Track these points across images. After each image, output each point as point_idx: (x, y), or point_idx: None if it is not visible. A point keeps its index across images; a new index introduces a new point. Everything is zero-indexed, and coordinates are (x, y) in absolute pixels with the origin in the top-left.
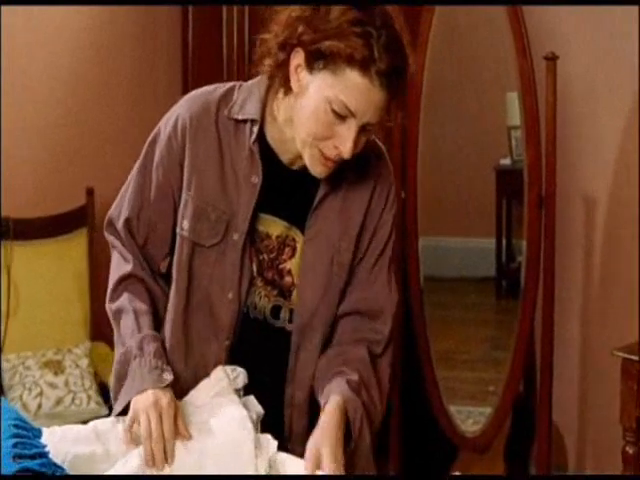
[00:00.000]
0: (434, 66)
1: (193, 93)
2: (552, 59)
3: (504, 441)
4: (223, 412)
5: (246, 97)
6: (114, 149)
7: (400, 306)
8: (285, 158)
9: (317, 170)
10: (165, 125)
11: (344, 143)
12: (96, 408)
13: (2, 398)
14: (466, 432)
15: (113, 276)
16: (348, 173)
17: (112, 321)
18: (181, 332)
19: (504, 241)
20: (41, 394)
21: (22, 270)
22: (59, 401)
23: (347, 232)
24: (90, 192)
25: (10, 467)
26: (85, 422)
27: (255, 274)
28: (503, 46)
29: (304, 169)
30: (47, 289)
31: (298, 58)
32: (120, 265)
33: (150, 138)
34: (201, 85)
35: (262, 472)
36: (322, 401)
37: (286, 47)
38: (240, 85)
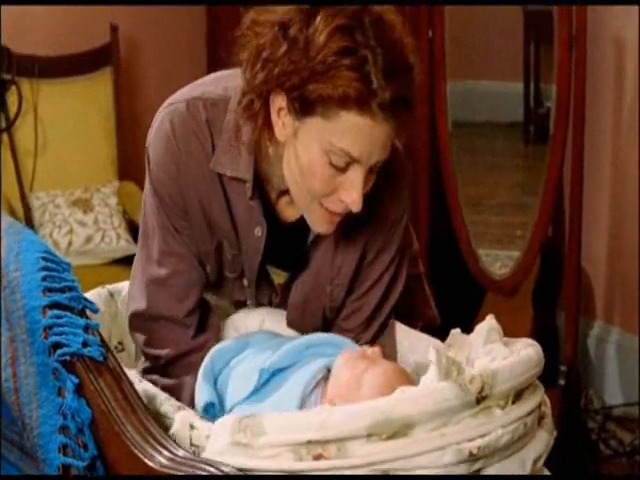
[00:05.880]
0: None
1: (173, 115)
2: None
3: (532, 286)
4: None
5: (233, 146)
6: None
7: (428, 151)
8: (277, 200)
9: (322, 229)
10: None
11: (350, 195)
12: (126, 245)
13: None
14: (494, 275)
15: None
16: None
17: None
18: None
19: (532, 85)
20: (71, 232)
21: (48, 109)
22: (89, 239)
23: (341, 271)
24: (114, 29)
25: (39, 301)
26: (116, 260)
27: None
28: None
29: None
30: (74, 128)
31: (279, 101)
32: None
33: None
34: None
35: None
36: None
37: (262, 93)
38: (225, 107)
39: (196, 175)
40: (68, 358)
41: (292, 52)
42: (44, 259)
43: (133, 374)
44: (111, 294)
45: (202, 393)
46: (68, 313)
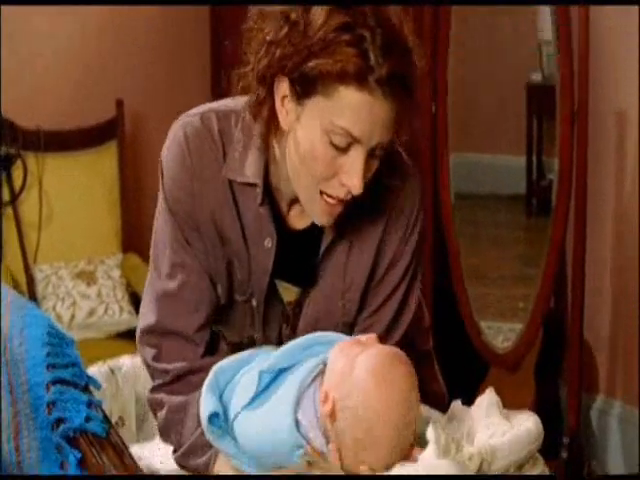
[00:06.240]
0: None
1: (186, 127)
2: None
3: (535, 357)
4: None
5: (243, 151)
6: (144, 60)
7: (431, 222)
8: (288, 211)
9: (322, 220)
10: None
11: (351, 178)
12: (128, 318)
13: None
14: (497, 348)
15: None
16: (356, 213)
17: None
18: None
19: (534, 158)
20: (74, 305)
21: (53, 182)
22: (92, 312)
23: (353, 283)
24: (120, 104)
25: (43, 377)
26: (119, 333)
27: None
28: None
29: (310, 225)
30: (79, 201)
31: (282, 88)
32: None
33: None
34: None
35: None
36: None
37: (266, 79)
38: (237, 119)
39: (208, 185)
40: (71, 433)
41: (292, 34)
42: (48, 334)
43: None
44: (112, 370)
45: (206, 404)
46: (71, 389)
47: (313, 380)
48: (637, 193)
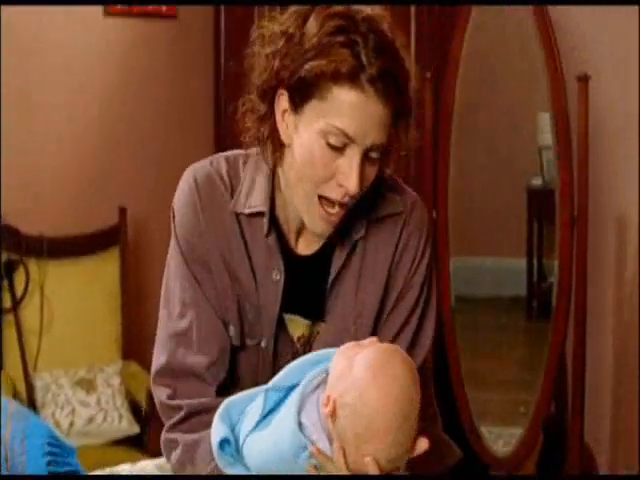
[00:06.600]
0: (465, 85)
1: (196, 172)
2: (584, 80)
3: (535, 462)
4: None
5: (252, 183)
6: (147, 168)
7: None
8: (296, 241)
9: (319, 227)
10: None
11: (348, 178)
12: (128, 426)
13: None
14: (497, 453)
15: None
16: (362, 245)
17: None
18: None
19: (535, 261)
20: (73, 412)
21: (55, 288)
22: (91, 419)
23: (365, 309)
24: (122, 211)
25: None
26: (117, 441)
27: None
28: (535, 66)
29: (317, 252)
30: (79, 308)
31: (282, 102)
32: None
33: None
34: (233, 100)
35: None
36: None
37: (267, 94)
38: (245, 160)
39: (217, 223)
40: None
41: (289, 46)
42: (49, 444)
43: None
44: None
45: (217, 431)
46: None
47: (317, 387)
48: (637, 298)
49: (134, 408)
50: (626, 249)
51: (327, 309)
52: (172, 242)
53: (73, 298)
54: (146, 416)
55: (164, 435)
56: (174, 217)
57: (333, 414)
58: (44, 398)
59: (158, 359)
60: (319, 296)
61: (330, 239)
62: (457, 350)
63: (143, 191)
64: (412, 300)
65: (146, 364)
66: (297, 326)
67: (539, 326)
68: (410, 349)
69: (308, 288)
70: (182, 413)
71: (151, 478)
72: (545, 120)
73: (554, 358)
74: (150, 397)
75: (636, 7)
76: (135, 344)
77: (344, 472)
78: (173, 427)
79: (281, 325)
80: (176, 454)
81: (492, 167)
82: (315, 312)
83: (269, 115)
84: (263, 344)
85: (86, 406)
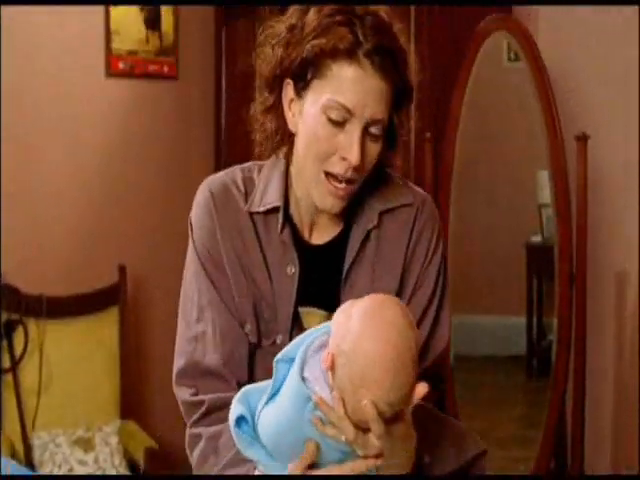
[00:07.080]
0: (465, 143)
1: (211, 184)
2: (583, 139)
3: None
4: None
5: (267, 183)
6: (147, 227)
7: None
8: (310, 234)
9: (328, 203)
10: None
11: (349, 150)
12: None
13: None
14: None
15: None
16: (376, 235)
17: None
18: None
19: (535, 319)
20: (71, 471)
21: (54, 347)
22: None
23: None
24: (122, 270)
25: None
26: None
27: None
28: (534, 125)
29: (332, 242)
30: (78, 366)
31: (289, 91)
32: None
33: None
34: (234, 161)
35: None
36: None
37: (274, 84)
38: (260, 168)
39: (231, 224)
40: None
41: (292, 34)
42: None
43: None
44: None
45: (234, 410)
46: None
47: (320, 347)
48: (637, 355)
49: (132, 467)
50: (625, 305)
51: (343, 299)
52: (189, 252)
53: (72, 358)
54: (144, 475)
55: (188, 432)
56: (192, 227)
57: (332, 367)
58: (42, 457)
59: (178, 362)
60: (334, 287)
61: (344, 229)
62: (457, 408)
63: (143, 250)
64: (429, 291)
65: (144, 423)
66: (313, 318)
67: (539, 385)
68: (429, 340)
69: (323, 279)
70: (203, 408)
71: (151, 478)
72: (544, 178)
73: (554, 415)
74: (148, 456)
75: (636, 64)
76: (133, 404)
77: (345, 421)
78: (196, 423)
79: (296, 320)
80: (199, 448)
81: (491, 224)
82: (331, 303)
83: (276, 105)
84: (278, 341)
85: (84, 465)
